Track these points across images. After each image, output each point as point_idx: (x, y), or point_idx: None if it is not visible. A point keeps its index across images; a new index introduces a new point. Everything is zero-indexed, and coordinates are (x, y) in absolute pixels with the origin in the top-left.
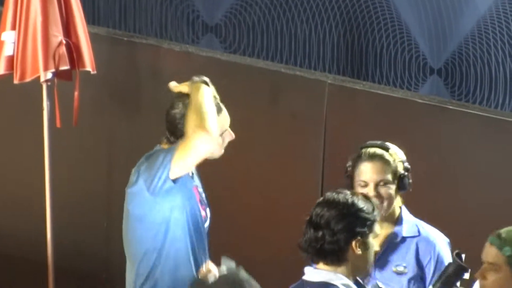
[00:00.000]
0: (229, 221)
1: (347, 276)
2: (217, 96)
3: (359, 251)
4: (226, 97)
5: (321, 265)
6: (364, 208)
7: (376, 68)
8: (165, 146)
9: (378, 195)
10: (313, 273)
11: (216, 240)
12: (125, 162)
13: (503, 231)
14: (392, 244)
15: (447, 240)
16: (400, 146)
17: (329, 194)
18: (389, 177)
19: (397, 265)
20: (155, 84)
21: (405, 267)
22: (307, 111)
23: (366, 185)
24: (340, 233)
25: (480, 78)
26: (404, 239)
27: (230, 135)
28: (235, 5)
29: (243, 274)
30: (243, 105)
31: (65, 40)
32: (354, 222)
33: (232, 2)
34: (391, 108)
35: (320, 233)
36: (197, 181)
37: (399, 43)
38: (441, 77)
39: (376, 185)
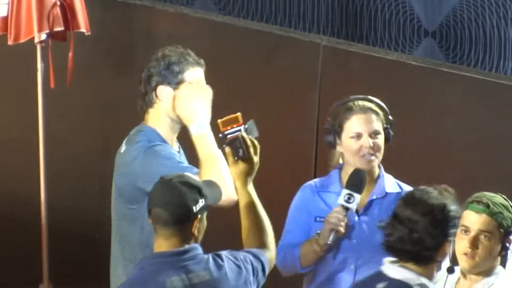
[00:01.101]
0: None
1: (430, 275)
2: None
3: (448, 250)
4: (221, 59)
5: (409, 265)
6: (454, 209)
7: (370, 30)
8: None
9: (371, 147)
10: (395, 270)
11: None
12: (119, 123)
13: (484, 198)
14: (376, 200)
15: None
16: (393, 108)
17: (418, 194)
18: (380, 128)
19: (381, 221)
20: (149, 45)
21: None
22: (302, 73)
23: (359, 136)
24: (437, 237)
25: (475, 40)
26: (386, 194)
27: None
28: None
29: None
30: (238, 67)
31: (59, 1)
32: (448, 225)
33: None
34: (385, 70)
35: (416, 236)
36: (183, 157)
37: (393, 5)
38: (436, 40)
39: (369, 136)
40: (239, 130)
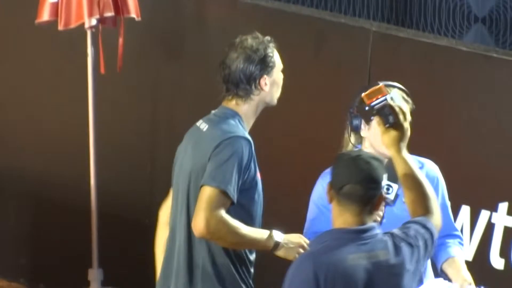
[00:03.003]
0: (275, 171)
1: None
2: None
3: None
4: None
5: None
6: None
7: (420, 16)
8: (229, 103)
9: None
10: None
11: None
12: (169, 108)
13: None
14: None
15: (436, 166)
16: (443, 94)
17: None
18: (409, 116)
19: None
20: (199, 32)
21: None
22: (351, 58)
23: None
24: None
25: None
26: None
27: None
28: None
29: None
30: (288, 52)
31: None
32: None
33: None
34: (435, 56)
35: None
36: None
37: None
38: (486, 25)
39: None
40: (385, 99)
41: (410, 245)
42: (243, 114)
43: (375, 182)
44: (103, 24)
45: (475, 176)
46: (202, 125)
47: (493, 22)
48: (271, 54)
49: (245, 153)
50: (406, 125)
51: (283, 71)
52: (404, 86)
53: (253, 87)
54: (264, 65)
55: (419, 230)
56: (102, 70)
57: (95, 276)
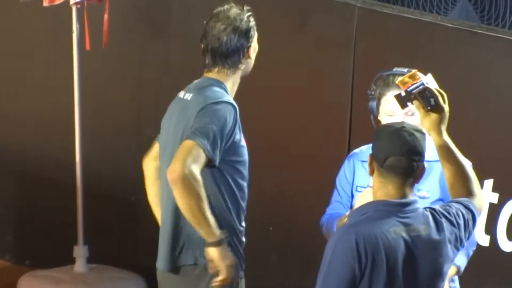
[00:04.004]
0: (259, 148)
1: None
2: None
3: None
4: (255, 21)
5: None
6: None
7: None
8: (213, 74)
9: None
10: None
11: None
12: (154, 85)
13: None
14: None
15: (470, 163)
16: (428, 71)
17: None
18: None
19: (419, 190)
20: (185, 7)
21: (428, 191)
22: (336, 34)
23: (393, 114)
24: None
25: (510, 2)
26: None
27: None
28: None
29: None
30: (272, 28)
31: None
32: None
33: None
34: (420, 32)
35: None
36: None
37: None
38: (471, 2)
39: (405, 114)
40: (422, 84)
41: (451, 222)
42: (229, 83)
43: (419, 154)
44: (88, 0)
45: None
46: (185, 95)
47: None
48: (253, 23)
49: (229, 118)
50: (446, 107)
51: (258, 40)
52: (388, 62)
53: (241, 57)
54: (250, 34)
55: (460, 209)
56: (88, 47)
57: (80, 253)
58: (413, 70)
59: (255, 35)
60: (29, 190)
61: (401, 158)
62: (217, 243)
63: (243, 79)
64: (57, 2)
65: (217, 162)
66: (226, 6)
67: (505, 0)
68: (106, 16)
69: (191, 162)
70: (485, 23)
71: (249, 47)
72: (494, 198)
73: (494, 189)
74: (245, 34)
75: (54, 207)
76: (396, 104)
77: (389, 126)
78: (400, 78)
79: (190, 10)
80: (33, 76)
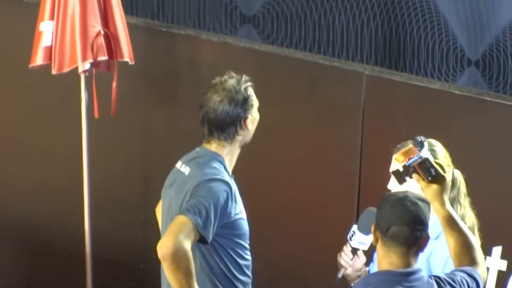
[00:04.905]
0: (267, 214)
1: None
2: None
3: None
4: (264, 88)
5: None
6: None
7: (413, 59)
8: (211, 145)
9: None
10: None
11: (253, 235)
12: (162, 153)
13: None
14: None
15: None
16: (437, 138)
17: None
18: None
19: None
20: (192, 75)
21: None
22: (345, 102)
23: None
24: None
25: None
26: None
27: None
28: None
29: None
30: (281, 96)
31: (103, 31)
32: None
33: None
34: (428, 99)
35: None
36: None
37: (436, 35)
38: (479, 69)
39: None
40: (420, 156)
41: None
42: (226, 155)
43: (422, 224)
44: (97, 68)
45: None
46: (183, 167)
47: (486, 65)
48: (251, 93)
49: (222, 196)
50: (447, 177)
51: (263, 108)
52: (397, 130)
53: (238, 128)
54: (247, 105)
55: (465, 277)
56: (96, 114)
57: None
58: (410, 146)
59: (254, 105)
60: (38, 259)
61: (403, 227)
62: None
63: (252, 148)
64: (65, 70)
65: (209, 239)
66: (224, 77)
67: None
68: (114, 84)
69: (183, 238)
70: (493, 90)
71: (246, 117)
72: (503, 265)
73: (502, 256)
74: (242, 105)
75: (63, 275)
76: (394, 181)
77: (392, 195)
78: (397, 154)
79: (197, 78)
80: (41, 144)
